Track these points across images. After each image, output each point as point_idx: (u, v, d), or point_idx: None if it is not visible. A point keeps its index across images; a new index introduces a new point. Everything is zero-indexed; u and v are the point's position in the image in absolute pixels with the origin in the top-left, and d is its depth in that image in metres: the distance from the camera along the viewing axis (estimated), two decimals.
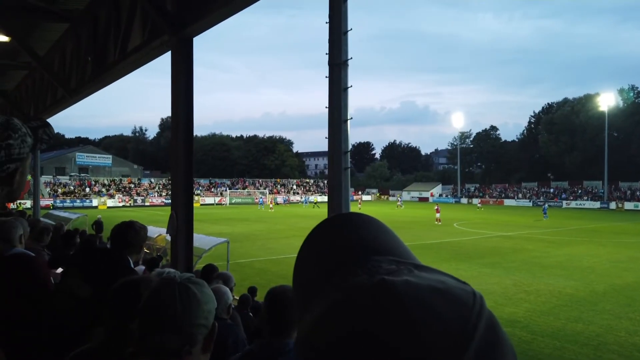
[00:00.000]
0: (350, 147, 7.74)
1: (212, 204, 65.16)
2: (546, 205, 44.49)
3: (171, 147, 5.98)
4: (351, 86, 7.13)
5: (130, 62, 6.54)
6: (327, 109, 7.21)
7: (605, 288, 14.57)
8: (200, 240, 11.04)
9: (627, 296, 13.52)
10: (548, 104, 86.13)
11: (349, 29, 7.04)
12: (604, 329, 10.61)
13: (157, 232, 12.30)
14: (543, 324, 10.95)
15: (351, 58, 7.57)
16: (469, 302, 0.43)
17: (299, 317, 0.50)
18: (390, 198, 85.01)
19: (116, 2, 6.84)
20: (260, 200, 63.61)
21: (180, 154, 5.78)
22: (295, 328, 2.57)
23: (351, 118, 7.45)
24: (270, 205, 56.76)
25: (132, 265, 2.84)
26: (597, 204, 62.44)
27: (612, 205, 60.82)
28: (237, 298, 7.07)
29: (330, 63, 7.11)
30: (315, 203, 61.01)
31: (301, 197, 72.79)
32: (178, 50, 5.42)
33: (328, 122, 7.31)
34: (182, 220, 5.73)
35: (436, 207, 39.79)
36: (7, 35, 7.67)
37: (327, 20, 7.13)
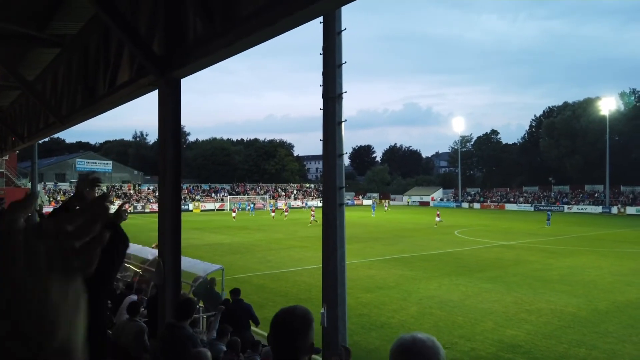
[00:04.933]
0: (344, 178, 7.62)
1: (213, 210, 65.05)
2: (549, 213, 44.40)
3: (159, 185, 5.80)
4: (345, 120, 6.99)
5: (119, 96, 6.38)
6: (322, 142, 7.07)
7: (607, 306, 14.36)
8: (195, 266, 10.89)
9: (630, 316, 13.30)
10: (549, 107, 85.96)
11: (343, 62, 6.91)
12: (607, 354, 10.40)
13: (155, 253, 12.12)
14: (545, 348, 10.74)
15: (345, 62, 7.39)
16: None
17: None
18: (392, 202, 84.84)
19: (106, 35, 6.68)
20: (252, 207, 58.68)
21: (168, 193, 5.60)
22: (304, 355, 2.36)
23: (346, 153, 7.32)
24: (233, 214, 49.03)
25: None
26: (598, 209, 62.21)
27: (614, 209, 60.59)
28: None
29: (324, 97, 6.98)
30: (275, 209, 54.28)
31: (302, 202, 72.56)
32: (165, 91, 5.26)
33: (322, 157, 7.16)
34: (169, 252, 5.55)
35: (312, 212, 42.91)
36: None
37: (321, 52, 7.01)
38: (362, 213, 56.15)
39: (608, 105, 65.05)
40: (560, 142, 73.79)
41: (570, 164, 73.14)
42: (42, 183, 60.10)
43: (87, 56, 7.75)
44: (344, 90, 6.60)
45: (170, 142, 5.25)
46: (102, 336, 2.51)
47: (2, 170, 41.01)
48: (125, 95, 6.21)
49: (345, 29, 6.40)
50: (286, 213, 51.58)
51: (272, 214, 49.92)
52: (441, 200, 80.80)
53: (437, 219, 41.90)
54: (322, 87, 6.72)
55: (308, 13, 3.59)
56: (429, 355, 1.83)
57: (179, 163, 5.37)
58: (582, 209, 63.73)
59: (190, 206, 64.17)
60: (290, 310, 2.40)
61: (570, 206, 64.93)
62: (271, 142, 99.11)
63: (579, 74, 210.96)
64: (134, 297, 9.01)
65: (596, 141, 67.91)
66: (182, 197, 62.84)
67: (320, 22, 6.77)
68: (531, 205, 68.22)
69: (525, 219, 48.89)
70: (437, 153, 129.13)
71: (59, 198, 59.34)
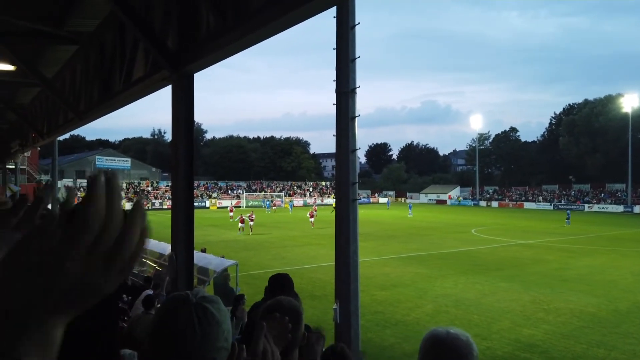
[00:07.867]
0: (358, 172, 7.58)
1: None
2: (569, 211, 43.67)
3: (172, 179, 5.84)
4: (359, 115, 6.94)
5: (134, 92, 6.44)
6: (335, 137, 7.04)
7: (628, 306, 14.05)
8: (210, 262, 10.96)
9: None
10: (569, 104, 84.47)
11: (356, 56, 6.85)
12: (627, 355, 10.18)
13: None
14: (563, 348, 10.55)
15: (359, 57, 7.31)
16: None
17: None
18: (407, 200, 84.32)
19: (121, 31, 6.75)
20: (268, 204, 58.90)
21: (181, 187, 5.63)
22: (296, 346, 2.30)
23: (359, 148, 7.26)
24: (231, 213, 44.45)
25: None
26: (620, 208, 60.97)
27: (636, 209, 59.29)
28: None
29: (337, 91, 6.94)
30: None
31: (318, 200, 72.68)
32: (178, 86, 5.29)
33: (335, 152, 7.13)
34: (182, 246, 5.58)
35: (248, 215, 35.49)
36: (12, 64, 7.67)
37: (335, 47, 6.96)
38: (396, 211, 55.87)
39: (630, 102, 63.66)
40: (581, 140, 72.48)
41: (590, 162, 71.76)
42: (62, 179, 61.21)
43: (103, 53, 7.85)
44: (357, 85, 6.55)
45: (183, 137, 5.28)
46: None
47: (24, 167, 41.84)
48: (140, 90, 6.27)
49: (359, 23, 6.36)
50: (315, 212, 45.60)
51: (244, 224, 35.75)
52: (458, 198, 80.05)
53: (311, 219, 35.51)
54: (335, 82, 6.68)
55: (319, 4, 3.57)
56: (463, 351, 1.76)
57: (191, 157, 5.39)
58: (603, 208, 62.50)
59: (207, 203, 64.66)
60: (276, 305, 2.37)
61: (590, 205, 63.74)
62: (287, 139, 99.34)
63: (599, 71, 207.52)
64: (150, 292, 9.12)
65: (617, 139, 66.49)
66: (200, 194, 62.55)
67: (334, 17, 6.73)
68: (550, 204, 67.15)
69: (544, 218, 48.16)
70: (454, 151, 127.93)
71: (78, 194, 60.37)
